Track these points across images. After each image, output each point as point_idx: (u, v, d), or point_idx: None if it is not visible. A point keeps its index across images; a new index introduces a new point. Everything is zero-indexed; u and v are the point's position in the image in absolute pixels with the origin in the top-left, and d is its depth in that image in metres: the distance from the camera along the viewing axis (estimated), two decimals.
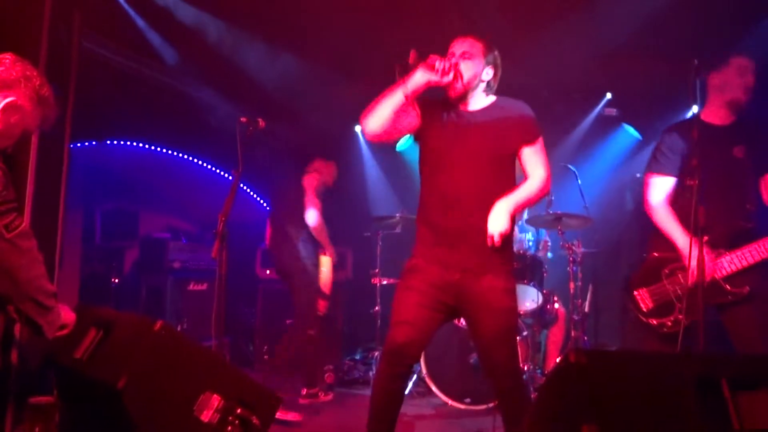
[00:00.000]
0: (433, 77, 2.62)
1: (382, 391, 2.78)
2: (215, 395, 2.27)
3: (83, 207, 5.96)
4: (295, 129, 3.78)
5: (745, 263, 2.84)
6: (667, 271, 3.04)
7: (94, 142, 5.80)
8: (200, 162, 6.88)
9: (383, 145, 6.80)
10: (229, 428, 2.25)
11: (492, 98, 2.84)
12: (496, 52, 2.80)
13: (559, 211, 4.89)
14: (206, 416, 2.24)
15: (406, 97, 2.63)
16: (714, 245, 2.89)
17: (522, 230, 5.47)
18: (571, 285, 4.87)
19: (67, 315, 2.32)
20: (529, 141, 2.75)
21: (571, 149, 6.28)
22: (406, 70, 2.61)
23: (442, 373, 4.47)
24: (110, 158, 6.06)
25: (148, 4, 4.68)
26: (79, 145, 5.51)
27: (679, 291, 2.97)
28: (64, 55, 3.36)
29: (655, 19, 4.82)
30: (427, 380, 4.49)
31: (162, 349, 2.20)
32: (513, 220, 2.64)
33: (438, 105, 2.82)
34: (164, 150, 6.56)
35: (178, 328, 5.56)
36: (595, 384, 1.73)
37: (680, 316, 2.92)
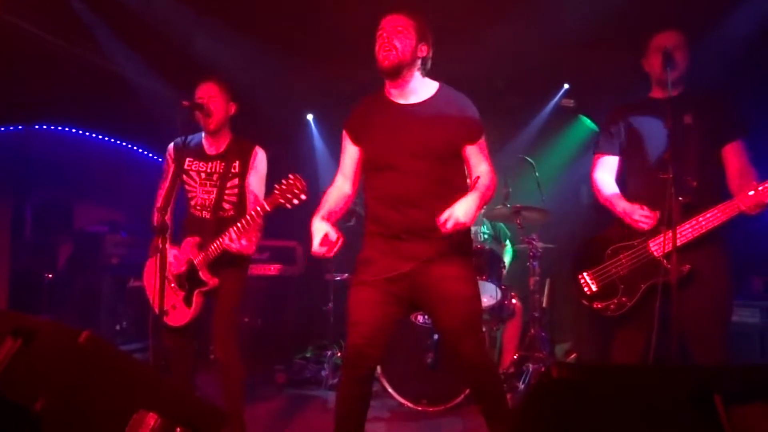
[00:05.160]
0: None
1: (346, 398, 2.64)
2: (151, 413, 2.00)
3: (12, 197, 5.56)
4: (242, 115, 3.52)
5: (683, 240, 2.71)
6: (609, 251, 2.95)
7: (20, 127, 5.37)
8: (139, 149, 6.48)
9: (337, 128, 6.56)
10: None
11: (434, 87, 2.77)
12: (427, 29, 2.75)
13: (517, 204, 4.76)
14: None
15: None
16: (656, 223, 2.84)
17: (476, 222, 5.33)
18: (531, 280, 4.75)
19: None
20: (473, 140, 2.72)
21: (528, 141, 6.17)
22: None
23: (397, 374, 4.30)
24: (40, 144, 5.64)
25: None
26: (3, 129, 5.08)
27: (621, 272, 2.89)
28: None
29: (615, 9, 4.73)
30: (382, 381, 4.31)
31: (87, 363, 1.91)
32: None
33: (370, 105, 2.80)
34: (100, 136, 6.15)
35: (116, 328, 5.23)
36: (580, 401, 1.56)
37: (623, 299, 2.87)
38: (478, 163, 2.72)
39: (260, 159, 3.45)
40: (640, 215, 2.83)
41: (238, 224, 3.15)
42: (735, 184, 2.81)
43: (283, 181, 2.99)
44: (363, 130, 2.78)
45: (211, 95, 3.37)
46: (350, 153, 2.84)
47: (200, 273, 3.31)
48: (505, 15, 4.93)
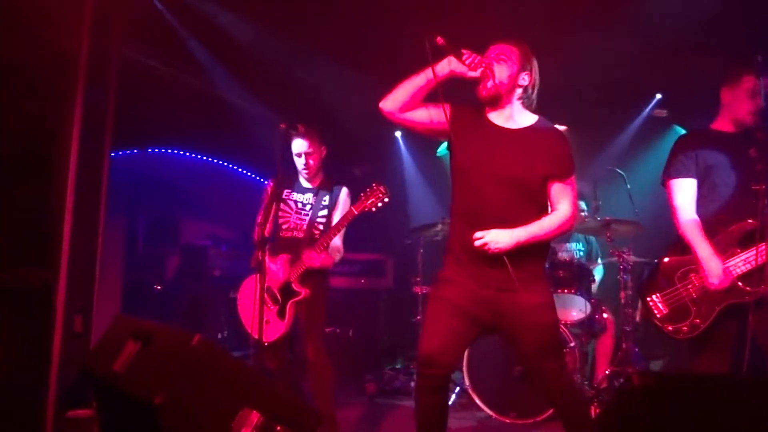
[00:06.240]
0: (459, 68, 2.57)
1: (423, 407, 2.71)
2: (254, 412, 2.18)
3: (126, 214, 6.00)
4: (334, 134, 3.74)
5: (760, 260, 2.71)
6: (679, 274, 2.95)
7: (136, 150, 5.84)
8: (241, 169, 6.89)
9: (423, 144, 6.66)
10: None
11: (532, 119, 2.73)
12: (534, 61, 2.71)
13: (607, 217, 4.70)
14: None
15: (429, 81, 2.60)
16: (728, 244, 2.86)
17: (572, 239, 5.29)
18: (622, 294, 4.66)
19: None
20: (560, 177, 2.66)
21: (619, 152, 6.04)
22: (435, 52, 2.52)
23: (486, 385, 4.33)
24: (152, 166, 6.10)
25: (189, 11, 4.66)
26: (121, 153, 5.55)
27: (693, 294, 2.89)
28: (104, 62, 3.36)
29: (707, 16, 4.61)
30: (471, 392, 4.35)
31: (199, 364, 2.12)
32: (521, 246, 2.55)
33: (472, 114, 2.73)
34: (205, 157, 6.59)
35: (218, 337, 5.55)
36: (661, 409, 1.59)
37: (696, 320, 2.86)
38: (560, 200, 2.67)
39: (345, 199, 3.80)
40: (717, 277, 2.80)
41: (319, 243, 3.52)
42: None
43: (367, 189, 3.38)
44: (461, 132, 2.67)
45: (307, 153, 3.71)
46: (435, 113, 2.68)
47: (293, 285, 3.60)
48: (594, 24, 4.90)
